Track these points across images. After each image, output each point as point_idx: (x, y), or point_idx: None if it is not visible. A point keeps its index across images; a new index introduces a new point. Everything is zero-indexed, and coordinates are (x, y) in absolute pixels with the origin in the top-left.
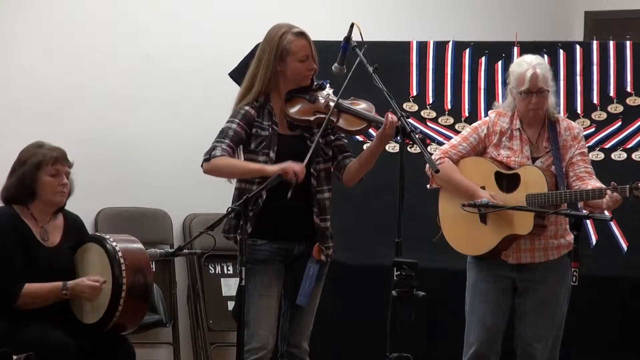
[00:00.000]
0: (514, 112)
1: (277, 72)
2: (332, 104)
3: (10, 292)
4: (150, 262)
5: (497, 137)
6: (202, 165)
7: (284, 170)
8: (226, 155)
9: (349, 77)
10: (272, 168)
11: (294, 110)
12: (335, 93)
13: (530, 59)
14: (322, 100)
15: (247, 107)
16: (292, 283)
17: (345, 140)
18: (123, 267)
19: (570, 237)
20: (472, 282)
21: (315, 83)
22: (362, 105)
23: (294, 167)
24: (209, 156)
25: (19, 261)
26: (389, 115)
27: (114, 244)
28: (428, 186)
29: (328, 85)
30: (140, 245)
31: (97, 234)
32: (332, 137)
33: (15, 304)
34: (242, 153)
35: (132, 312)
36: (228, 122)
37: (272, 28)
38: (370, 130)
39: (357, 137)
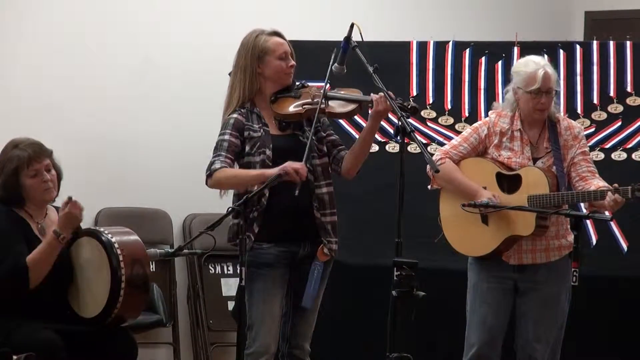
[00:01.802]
0: (514, 112)
1: (257, 75)
2: (318, 93)
3: (19, 267)
4: (150, 262)
5: (498, 138)
6: (206, 183)
7: (284, 171)
8: (226, 166)
9: (330, 67)
10: (272, 171)
11: (282, 107)
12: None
13: (538, 59)
14: (307, 94)
15: (234, 115)
16: (296, 284)
17: (337, 136)
18: (121, 259)
19: (572, 238)
20: (473, 283)
21: (297, 83)
22: (347, 90)
23: (293, 165)
24: (209, 171)
25: (21, 245)
26: (373, 94)
27: (110, 236)
28: (429, 187)
29: (316, 84)
30: (136, 237)
31: (92, 227)
32: (324, 134)
33: (27, 276)
34: (236, 165)
35: (132, 303)
36: (220, 135)
37: (245, 35)
38: (362, 122)
39: (352, 131)
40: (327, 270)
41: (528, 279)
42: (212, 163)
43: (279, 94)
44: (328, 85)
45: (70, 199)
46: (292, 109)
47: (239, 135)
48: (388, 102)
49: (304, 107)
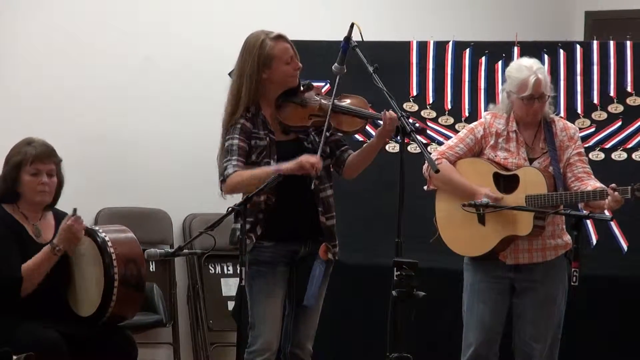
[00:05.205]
0: (509, 114)
1: (262, 80)
2: (325, 102)
3: (13, 278)
4: (150, 262)
5: (494, 139)
6: (221, 189)
7: (300, 165)
8: (238, 170)
9: (338, 77)
10: (288, 165)
11: (288, 117)
12: (329, 93)
13: (530, 63)
14: (314, 103)
15: (242, 121)
16: (297, 284)
17: (340, 134)
18: (114, 257)
19: (567, 237)
20: (470, 283)
21: (302, 84)
22: (353, 101)
23: (309, 159)
24: (223, 177)
25: (15, 254)
26: (387, 112)
27: (104, 235)
28: (425, 188)
29: (315, 84)
30: (131, 235)
31: (88, 226)
32: (328, 134)
33: (20, 287)
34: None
35: (127, 302)
36: (228, 139)
37: (248, 38)
38: (370, 129)
39: (357, 136)
40: (329, 270)
41: (525, 278)
42: (224, 168)
43: (285, 99)
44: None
45: (75, 213)
46: (297, 121)
47: (247, 139)
48: (392, 109)
49: (310, 118)
